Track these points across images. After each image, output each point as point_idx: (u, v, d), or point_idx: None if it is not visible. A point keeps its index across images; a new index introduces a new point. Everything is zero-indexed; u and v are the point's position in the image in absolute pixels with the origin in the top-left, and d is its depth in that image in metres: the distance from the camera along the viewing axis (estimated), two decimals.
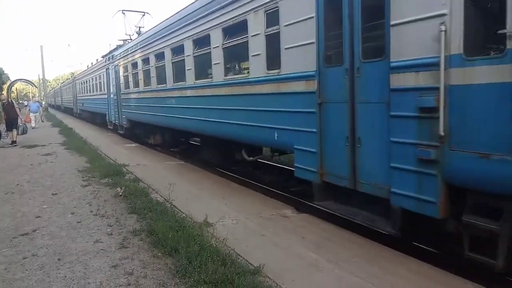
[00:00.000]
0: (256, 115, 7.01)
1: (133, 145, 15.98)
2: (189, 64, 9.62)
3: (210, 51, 8.45)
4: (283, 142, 6.48)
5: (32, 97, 52.14)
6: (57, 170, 10.28)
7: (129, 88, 15.68)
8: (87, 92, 28.38)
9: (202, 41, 8.93)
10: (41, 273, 4.20)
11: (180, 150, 13.73)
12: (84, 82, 29.68)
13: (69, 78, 49.27)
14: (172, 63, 10.78)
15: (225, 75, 8.14)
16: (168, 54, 11.01)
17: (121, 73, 16.97)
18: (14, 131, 16.50)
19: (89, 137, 18.00)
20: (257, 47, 6.86)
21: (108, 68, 19.60)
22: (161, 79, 11.88)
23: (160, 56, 11.80)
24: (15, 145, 15.94)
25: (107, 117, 20.90)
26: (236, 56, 8.42)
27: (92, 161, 11.21)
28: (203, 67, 9.52)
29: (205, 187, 8.01)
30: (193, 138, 13.80)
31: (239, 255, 4.41)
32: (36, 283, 3.98)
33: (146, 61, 13.28)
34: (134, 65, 14.75)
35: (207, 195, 7.33)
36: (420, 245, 5.03)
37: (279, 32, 6.20)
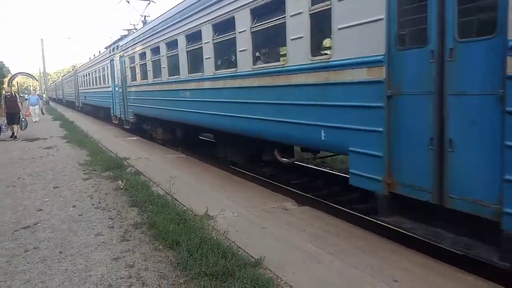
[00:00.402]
0: (296, 111, 5.99)
1: (134, 138, 15.98)
2: (208, 52, 8.54)
3: (235, 37, 7.37)
4: (332, 143, 5.47)
5: (33, 90, 51.76)
6: (58, 163, 10.30)
7: (136, 80, 14.60)
8: (89, 85, 27.38)
9: (224, 26, 7.85)
10: (43, 266, 4.22)
11: (187, 146, 12.76)
12: (86, 74, 28.62)
13: (70, 71, 48.60)
14: (187, 52, 9.68)
15: (254, 64, 7.07)
16: (182, 42, 9.87)
17: (127, 65, 15.80)
18: (15, 126, 16.37)
19: (90, 131, 18.00)
20: (298, 29, 5.75)
21: (113, 59, 18.50)
22: (174, 70, 10.76)
23: (172, 44, 10.64)
24: (16, 139, 15.93)
25: (111, 111, 19.88)
26: (268, 41, 7.63)
27: (93, 154, 11.22)
28: (225, 55, 8.84)
29: (206, 180, 8.02)
30: (204, 134, 13.37)
31: (239, 247, 4.42)
32: (37, 276, 4.00)
33: (156, 50, 12.12)
34: (142, 55, 13.63)
35: (208, 188, 7.34)
36: (422, 238, 5.03)
37: (330, 8, 5.13)
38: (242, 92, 7.41)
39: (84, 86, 30.15)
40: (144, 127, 15.61)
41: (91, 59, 28.86)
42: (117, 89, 17.97)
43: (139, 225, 5.29)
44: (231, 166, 9.57)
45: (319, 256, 4.27)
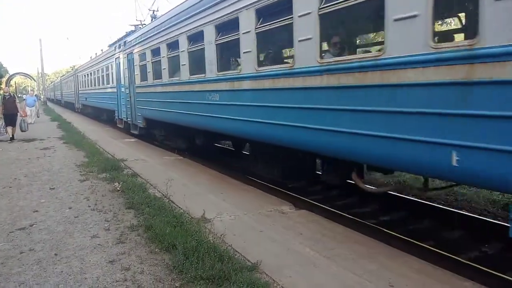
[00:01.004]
0: (408, 121, 4.16)
1: (132, 140, 15.93)
2: (248, 44, 6.81)
3: (292, 22, 5.66)
4: (473, 172, 3.66)
5: (30, 90, 51.26)
6: (55, 164, 10.25)
7: (147, 80, 12.80)
8: (91, 86, 25.48)
9: (274, 11, 6.23)
10: (38, 268, 4.19)
11: (206, 156, 11.18)
12: (87, 74, 26.62)
13: (69, 71, 46.86)
14: (217, 45, 8.01)
15: (321, 58, 5.38)
16: (210, 33, 8.22)
17: (136, 62, 14.00)
18: (9, 129, 15.91)
19: (87, 132, 17.96)
20: (408, 4, 4.02)
21: (119, 57, 16.80)
22: (197, 68, 9.18)
23: (196, 37, 9.00)
24: (12, 140, 15.79)
25: (116, 114, 18.10)
26: (347, 26, 6.31)
27: (90, 155, 11.18)
28: (272, 48, 7.48)
29: (203, 182, 8.00)
30: (223, 141, 12.42)
31: (236, 251, 4.40)
32: (32, 278, 3.96)
33: (173, 45, 10.37)
34: (156, 51, 11.78)
35: (205, 191, 7.32)
36: (420, 243, 5.03)
37: None
38: (303, 94, 5.64)
39: (85, 87, 28.39)
40: (155, 132, 14.00)
41: (92, 58, 27.27)
42: (123, 90, 16.35)
43: (135, 228, 5.26)
44: (226, 168, 9.47)
45: (316, 260, 4.26)
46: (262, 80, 6.59)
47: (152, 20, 14.28)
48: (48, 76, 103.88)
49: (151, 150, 12.88)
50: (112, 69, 18.52)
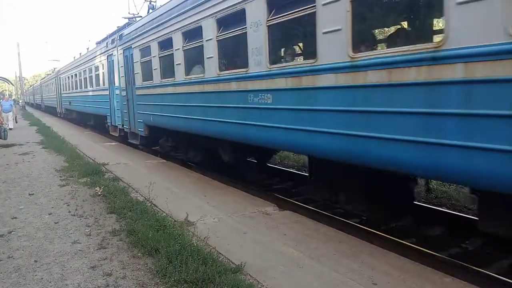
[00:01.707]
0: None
1: (113, 143, 15.72)
2: (335, 21, 4.72)
3: None
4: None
5: (8, 95, 49.65)
6: (34, 170, 10.03)
7: (152, 79, 10.55)
8: (76, 88, 22.89)
9: None
10: (17, 276, 4.08)
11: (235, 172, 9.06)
12: (72, 76, 24.10)
13: (50, 74, 44.10)
14: (269, 27, 5.85)
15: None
16: (256, 11, 6.06)
17: (136, 59, 11.67)
18: None
19: (67, 136, 17.62)
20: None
21: (112, 54, 14.54)
22: (232, 60, 7.76)
23: (232, 19, 6.83)
24: None
25: (108, 121, 15.86)
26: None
27: (71, 160, 10.97)
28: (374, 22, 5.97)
29: (186, 185, 7.94)
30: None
31: (220, 253, 4.39)
32: (11, 286, 3.87)
33: (193, 34, 8.12)
34: (166, 43, 9.50)
35: (189, 194, 7.27)
36: (401, 241, 5.11)
37: None
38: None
39: (69, 90, 25.78)
40: (161, 143, 11.55)
41: (76, 58, 24.78)
42: (117, 92, 14.12)
43: (117, 232, 5.19)
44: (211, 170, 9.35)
45: (300, 260, 4.27)
46: (364, 73, 4.46)
47: (148, 12, 12.06)
48: (27, 79, 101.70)
49: (134, 154, 12.73)
50: (103, 69, 16.27)
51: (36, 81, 71.00)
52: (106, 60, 15.52)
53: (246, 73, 6.52)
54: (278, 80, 5.80)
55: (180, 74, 8.87)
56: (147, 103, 11.12)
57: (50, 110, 39.79)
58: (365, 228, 5.59)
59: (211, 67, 7.48)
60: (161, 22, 9.60)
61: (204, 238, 4.71)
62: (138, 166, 10.30)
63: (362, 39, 5.23)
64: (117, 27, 15.12)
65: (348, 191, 5.84)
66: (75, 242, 4.95)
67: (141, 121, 11.76)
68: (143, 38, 11.01)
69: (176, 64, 8.95)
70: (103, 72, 16.35)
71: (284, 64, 6.07)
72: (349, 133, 4.68)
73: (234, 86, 6.93)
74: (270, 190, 7.77)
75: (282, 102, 5.78)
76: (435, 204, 7.02)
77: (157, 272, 3.93)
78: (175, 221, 5.41)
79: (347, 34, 4.58)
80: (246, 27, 6.30)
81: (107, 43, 15.52)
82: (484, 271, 4.23)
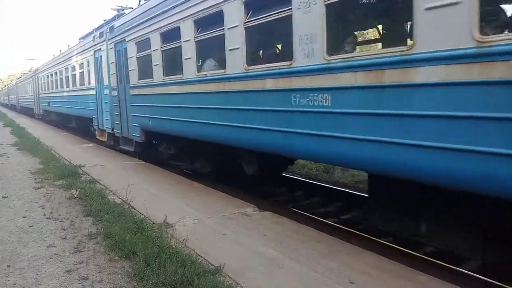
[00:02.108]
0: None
1: (90, 145, 15.44)
2: None
3: None
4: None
5: None
6: (8, 172, 9.74)
7: (151, 77, 9.13)
8: (56, 88, 21.16)
9: None
10: None
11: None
12: (51, 74, 22.22)
13: (27, 73, 41.86)
14: (328, 5, 4.58)
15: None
16: None
17: (131, 54, 10.25)
18: None
19: (43, 137, 17.19)
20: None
21: (100, 50, 13.11)
22: (269, 52, 6.80)
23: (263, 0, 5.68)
24: None
25: (94, 123, 14.38)
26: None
27: (46, 162, 10.71)
28: None
29: (165, 187, 7.86)
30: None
31: (199, 255, 4.36)
32: None
33: (208, 21, 6.84)
34: (172, 34, 8.08)
35: (168, 195, 7.20)
36: (378, 240, 5.19)
37: None
38: None
39: (48, 89, 23.84)
40: (161, 150, 10.06)
41: (56, 56, 22.87)
42: (106, 92, 12.74)
43: (93, 236, 5.09)
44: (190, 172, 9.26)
45: (279, 261, 4.29)
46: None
47: (140, 3, 10.59)
48: (1, 80, 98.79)
49: (111, 155, 12.52)
50: (88, 66, 14.69)
51: (11, 81, 68.62)
52: (93, 56, 13.94)
53: (289, 68, 5.16)
54: (341, 76, 4.47)
55: (190, 70, 7.46)
56: (145, 104, 9.72)
57: (26, 111, 38.24)
58: (343, 227, 5.66)
59: (236, 60, 6.11)
60: (166, 9, 8.12)
61: (183, 240, 4.68)
62: (116, 168, 10.14)
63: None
64: (104, 20, 13.63)
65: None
66: (50, 246, 4.83)
67: (137, 125, 10.28)
68: (141, 30, 9.52)
69: (186, 59, 7.53)
70: (88, 70, 14.78)
71: (352, 55, 4.64)
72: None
73: (270, 84, 5.55)
74: (250, 191, 7.75)
75: (347, 105, 4.45)
76: None
77: (135, 275, 3.87)
78: (153, 223, 5.35)
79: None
80: (291, 8, 5.00)
81: (94, 37, 13.92)
82: (458, 269, 4.34)
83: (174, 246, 4.40)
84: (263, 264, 4.20)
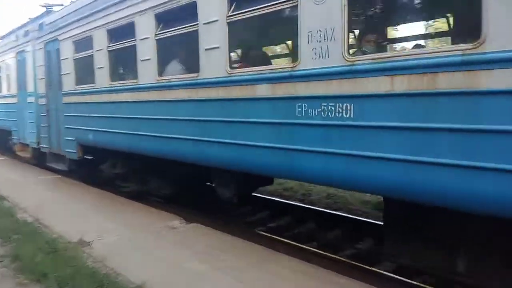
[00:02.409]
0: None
1: (1, 158, 14.06)
2: None
3: None
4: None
5: None
6: None
7: (93, 82, 7.79)
8: None
9: None
10: None
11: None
12: None
13: None
14: None
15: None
16: None
17: (67, 55, 8.79)
18: None
19: None
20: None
21: (24, 51, 11.34)
22: (259, 53, 6.14)
23: None
24: None
25: (14, 137, 12.43)
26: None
27: None
28: None
29: (85, 202, 7.37)
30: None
31: (119, 274, 4.11)
32: None
33: (174, 15, 5.73)
34: (121, 31, 6.91)
35: (88, 211, 6.75)
36: (303, 246, 5.31)
37: None
38: None
39: None
40: (104, 169, 8.43)
41: None
42: (31, 99, 10.96)
43: (0, 258, 4.60)
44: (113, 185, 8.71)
45: (206, 273, 4.20)
46: None
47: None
48: None
49: (24, 169, 11.50)
50: (8, 70, 12.93)
51: None
52: (15, 58, 12.09)
53: (292, 71, 4.20)
54: (368, 81, 3.60)
55: (148, 74, 6.24)
56: (84, 114, 8.17)
57: None
58: (271, 236, 5.71)
59: (215, 62, 5.06)
60: (116, 1, 6.87)
61: (102, 258, 4.39)
62: (29, 183, 9.33)
63: None
64: (29, 18, 11.81)
65: None
66: None
67: (72, 139, 8.65)
68: (81, 26, 8.11)
69: (143, 60, 6.31)
70: (8, 75, 12.94)
71: (387, 55, 3.77)
72: None
73: (263, 91, 4.54)
74: (177, 203, 7.51)
75: (378, 117, 3.55)
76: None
77: None
78: (68, 242, 4.97)
79: None
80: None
81: (17, 35, 12.12)
82: (375, 270, 4.58)
83: (91, 266, 4.12)
84: (188, 278, 4.09)
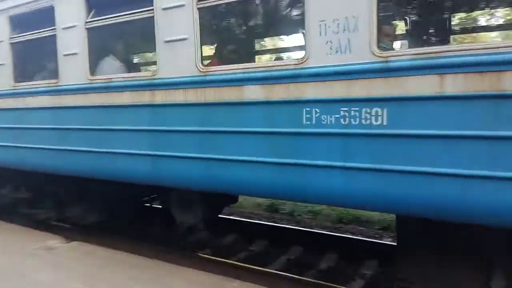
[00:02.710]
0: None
1: None
2: None
3: None
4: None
5: None
6: None
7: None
8: None
9: None
10: None
11: None
12: None
13: None
14: None
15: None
16: None
17: None
18: None
19: None
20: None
21: None
22: (247, 45, 5.46)
23: None
24: None
25: None
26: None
27: None
28: None
29: None
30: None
31: None
32: None
33: None
34: (28, 20, 5.44)
35: None
36: (197, 253, 5.23)
37: None
38: None
39: None
40: (4, 193, 6.90)
41: None
42: None
43: None
44: None
45: None
46: None
47: None
48: None
49: None
50: None
51: None
52: None
53: (297, 68, 3.43)
54: (406, 81, 2.97)
55: (76, 72, 4.94)
56: None
57: None
58: (159, 247, 5.47)
59: (181, 57, 4.01)
60: None
61: None
62: None
63: None
64: None
65: None
66: None
67: None
68: None
69: (66, 55, 4.99)
70: None
71: (434, 49, 2.93)
72: None
73: (254, 93, 3.65)
74: (55, 220, 6.69)
75: (423, 123, 2.94)
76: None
77: None
78: None
79: None
80: None
81: None
82: (266, 270, 4.73)
83: None
84: None
